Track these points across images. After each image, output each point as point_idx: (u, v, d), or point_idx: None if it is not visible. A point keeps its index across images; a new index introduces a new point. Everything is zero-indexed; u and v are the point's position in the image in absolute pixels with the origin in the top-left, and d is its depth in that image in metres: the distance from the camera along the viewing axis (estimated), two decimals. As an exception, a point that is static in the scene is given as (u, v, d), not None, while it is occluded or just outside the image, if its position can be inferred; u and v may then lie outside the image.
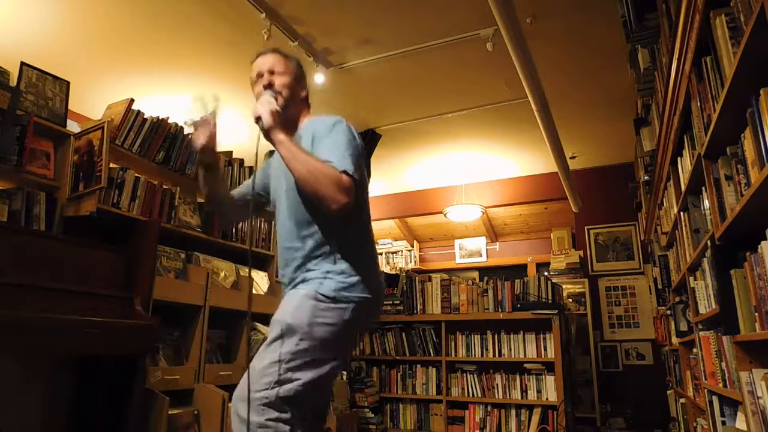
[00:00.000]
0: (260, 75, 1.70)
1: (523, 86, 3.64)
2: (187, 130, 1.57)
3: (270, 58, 1.72)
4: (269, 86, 1.66)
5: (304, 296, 1.48)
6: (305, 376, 1.42)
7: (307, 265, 1.54)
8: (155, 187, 2.83)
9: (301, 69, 1.78)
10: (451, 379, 4.26)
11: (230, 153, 3.44)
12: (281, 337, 1.44)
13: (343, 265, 1.52)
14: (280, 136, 1.49)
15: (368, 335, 4.61)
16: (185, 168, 3.03)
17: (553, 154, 4.76)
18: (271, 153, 1.81)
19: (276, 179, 1.72)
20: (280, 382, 1.40)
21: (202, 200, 2.97)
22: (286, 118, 1.64)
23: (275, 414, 1.39)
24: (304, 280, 1.53)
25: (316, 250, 1.54)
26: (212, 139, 1.63)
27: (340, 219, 1.48)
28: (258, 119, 1.52)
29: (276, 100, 1.59)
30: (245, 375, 1.42)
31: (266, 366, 1.41)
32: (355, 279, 1.51)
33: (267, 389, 1.39)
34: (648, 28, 2.64)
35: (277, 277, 3.39)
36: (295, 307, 1.47)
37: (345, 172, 1.44)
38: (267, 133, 1.51)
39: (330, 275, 1.50)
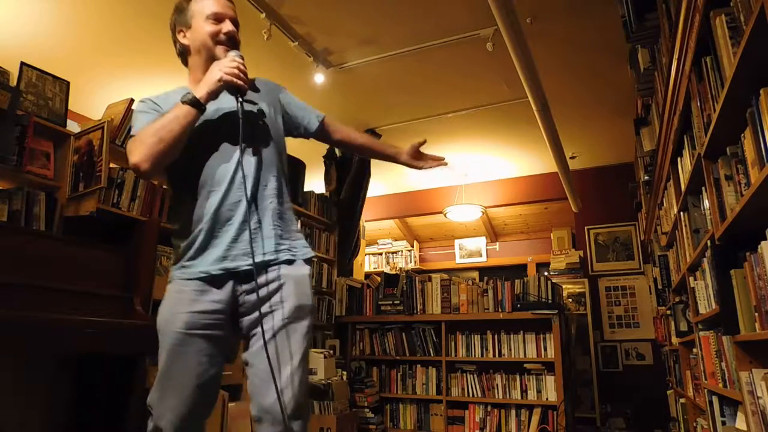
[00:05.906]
0: (221, 18, 1.52)
1: (523, 86, 3.64)
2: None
3: (233, 7, 1.58)
4: (235, 44, 1.55)
5: (307, 274, 1.50)
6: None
7: (290, 227, 1.54)
8: (155, 187, 2.83)
9: None
10: (451, 379, 4.26)
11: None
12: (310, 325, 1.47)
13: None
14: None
15: (368, 335, 4.62)
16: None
17: (553, 154, 4.76)
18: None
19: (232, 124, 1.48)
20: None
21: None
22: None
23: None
24: (290, 249, 1.50)
25: (289, 210, 1.56)
26: None
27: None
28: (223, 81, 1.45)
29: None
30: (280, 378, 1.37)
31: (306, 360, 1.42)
32: None
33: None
34: (648, 28, 2.63)
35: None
36: (308, 285, 1.48)
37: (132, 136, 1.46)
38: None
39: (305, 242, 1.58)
